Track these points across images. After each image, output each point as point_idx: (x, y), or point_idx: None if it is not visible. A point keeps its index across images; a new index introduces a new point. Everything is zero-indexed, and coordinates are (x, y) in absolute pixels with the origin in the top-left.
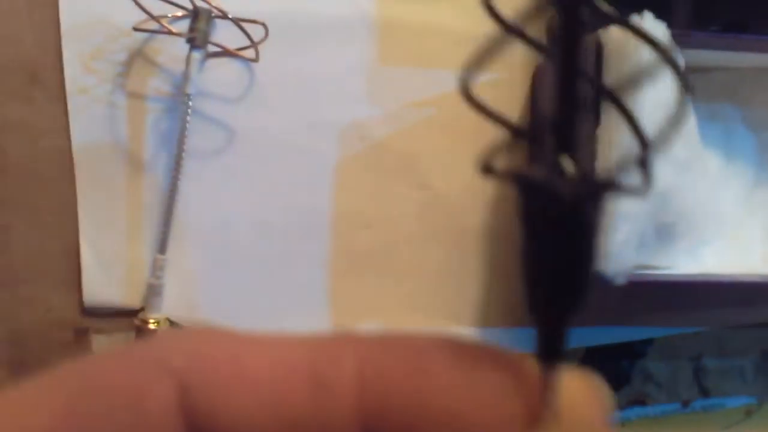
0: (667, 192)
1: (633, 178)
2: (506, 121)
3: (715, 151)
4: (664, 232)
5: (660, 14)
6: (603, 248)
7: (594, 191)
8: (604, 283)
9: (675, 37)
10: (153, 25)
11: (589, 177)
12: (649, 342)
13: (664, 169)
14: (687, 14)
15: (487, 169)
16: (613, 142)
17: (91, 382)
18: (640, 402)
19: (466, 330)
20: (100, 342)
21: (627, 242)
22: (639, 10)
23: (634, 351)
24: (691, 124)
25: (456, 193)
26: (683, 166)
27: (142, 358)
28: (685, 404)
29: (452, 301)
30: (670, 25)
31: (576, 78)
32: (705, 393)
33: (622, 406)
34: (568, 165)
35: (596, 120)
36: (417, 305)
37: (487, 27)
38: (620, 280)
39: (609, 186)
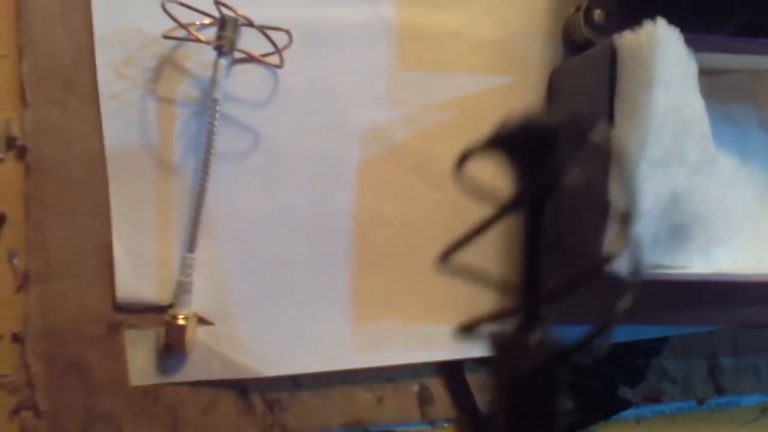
0: (681, 193)
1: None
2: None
3: (729, 152)
4: (677, 233)
5: (674, 18)
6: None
7: (553, 358)
8: (617, 282)
9: (689, 41)
10: (182, 33)
11: (550, 345)
12: (664, 340)
13: (677, 171)
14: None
15: (465, 331)
16: (626, 144)
17: None
18: (656, 399)
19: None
20: (131, 336)
21: (640, 243)
22: (652, 15)
23: (649, 349)
24: (705, 126)
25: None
26: (696, 168)
27: None
28: (701, 402)
29: (470, 298)
30: (684, 29)
31: (540, 254)
32: (720, 391)
33: (637, 403)
34: (535, 332)
35: (610, 125)
36: (435, 303)
37: (502, 32)
38: (635, 282)
39: (566, 353)
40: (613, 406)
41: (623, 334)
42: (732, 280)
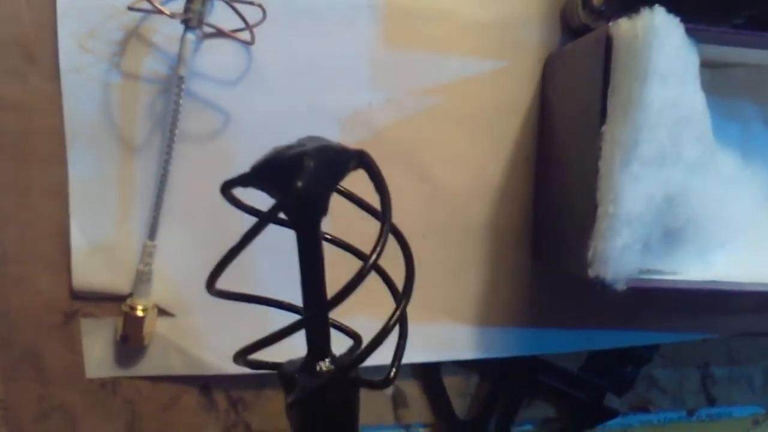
0: (676, 195)
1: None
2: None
3: (731, 150)
4: (671, 237)
5: (677, 6)
6: (603, 253)
7: (336, 384)
8: (603, 288)
9: (690, 32)
10: (148, 5)
11: (332, 373)
12: (655, 348)
13: (672, 171)
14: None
15: (242, 356)
16: (617, 140)
17: None
18: (644, 409)
19: (466, 328)
20: (88, 326)
21: (629, 247)
22: (651, 3)
23: (639, 356)
24: (704, 122)
25: (459, 187)
26: (694, 168)
27: None
28: (690, 412)
29: (452, 297)
30: (687, 18)
31: (321, 283)
32: (711, 401)
33: (624, 412)
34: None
35: (601, 118)
36: (415, 301)
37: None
38: (620, 286)
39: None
40: (599, 416)
41: (612, 340)
42: (727, 288)
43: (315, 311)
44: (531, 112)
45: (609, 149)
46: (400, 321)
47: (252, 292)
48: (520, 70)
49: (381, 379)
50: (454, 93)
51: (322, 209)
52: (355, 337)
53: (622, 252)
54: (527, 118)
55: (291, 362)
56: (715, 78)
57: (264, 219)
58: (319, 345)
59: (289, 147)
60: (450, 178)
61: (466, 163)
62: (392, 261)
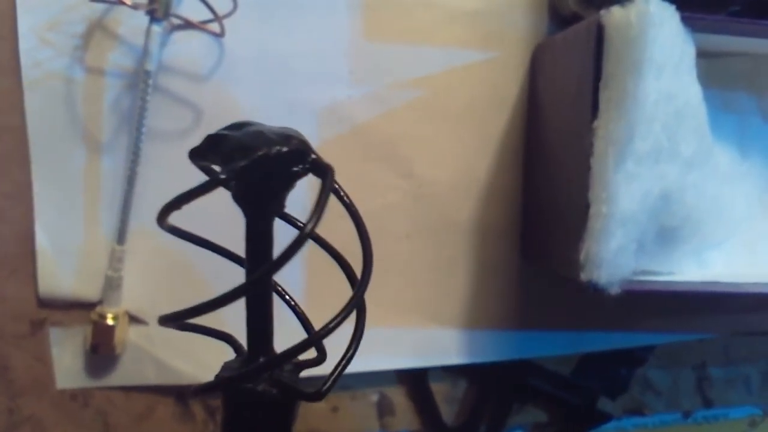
0: (671, 193)
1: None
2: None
3: (728, 144)
4: (667, 236)
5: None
6: (596, 255)
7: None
8: (596, 291)
9: (685, 20)
10: None
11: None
12: (650, 349)
13: (668, 167)
14: None
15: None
16: (611, 136)
17: None
18: (638, 411)
19: (452, 332)
20: (56, 335)
21: (623, 249)
22: None
23: (633, 358)
24: (701, 116)
25: (443, 184)
26: (690, 164)
27: None
28: (686, 414)
29: (437, 300)
30: (681, 6)
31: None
32: (707, 403)
33: (618, 415)
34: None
35: (593, 113)
36: (398, 304)
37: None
38: (614, 290)
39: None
40: (592, 419)
41: (604, 341)
42: (725, 290)
43: (257, 275)
44: (519, 105)
45: (602, 146)
46: (354, 344)
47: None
48: (507, 60)
49: (314, 391)
50: (437, 85)
51: (274, 202)
52: (306, 323)
53: (616, 254)
54: (515, 110)
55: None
56: (711, 68)
57: (213, 181)
58: (259, 330)
59: (249, 130)
60: (434, 174)
61: (451, 159)
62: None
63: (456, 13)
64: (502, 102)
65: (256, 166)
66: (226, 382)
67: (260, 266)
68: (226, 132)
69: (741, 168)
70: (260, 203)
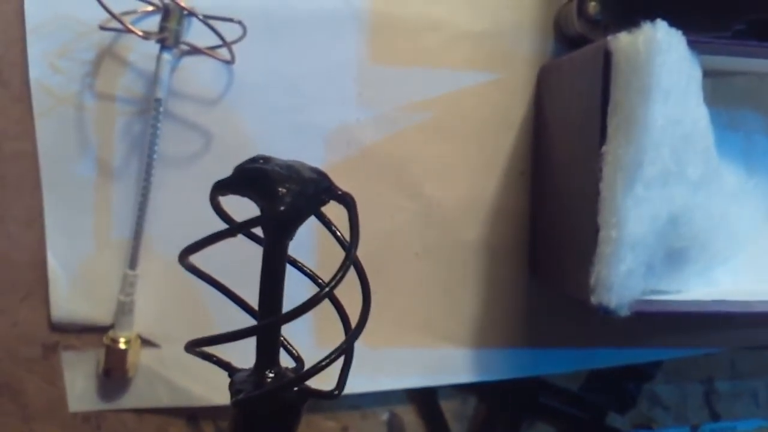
0: (679, 215)
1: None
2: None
3: (734, 162)
4: (675, 257)
5: (675, 13)
6: (606, 279)
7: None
8: (607, 314)
9: (692, 43)
10: (120, 24)
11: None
12: (657, 364)
13: (676, 190)
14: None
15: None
16: (620, 161)
17: None
18: (646, 426)
19: (462, 350)
20: (69, 359)
21: (632, 272)
22: (652, 8)
23: (641, 373)
24: (707, 138)
25: (451, 204)
26: (697, 186)
27: None
28: (694, 428)
29: (447, 319)
30: (686, 27)
31: (279, 298)
32: (715, 417)
33: (627, 430)
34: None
35: (601, 138)
36: (408, 324)
37: (487, 24)
38: (624, 312)
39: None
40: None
41: (613, 358)
42: (733, 310)
43: (269, 321)
44: (525, 125)
45: (611, 171)
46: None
47: None
48: (513, 81)
49: (329, 391)
50: (444, 107)
51: (293, 233)
52: (297, 359)
53: (625, 278)
54: (521, 131)
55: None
56: (716, 87)
57: (235, 229)
58: (268, 356)
59: (276, 163)
60: (442, 194)
61: (459, 179)
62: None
63: (462, 35)
64: (510, 123)
65: (302, 198)
66: (274, 391)
67: (276, 290)
68: (259, 166)
69: (747, 186)
70: (288, 232)
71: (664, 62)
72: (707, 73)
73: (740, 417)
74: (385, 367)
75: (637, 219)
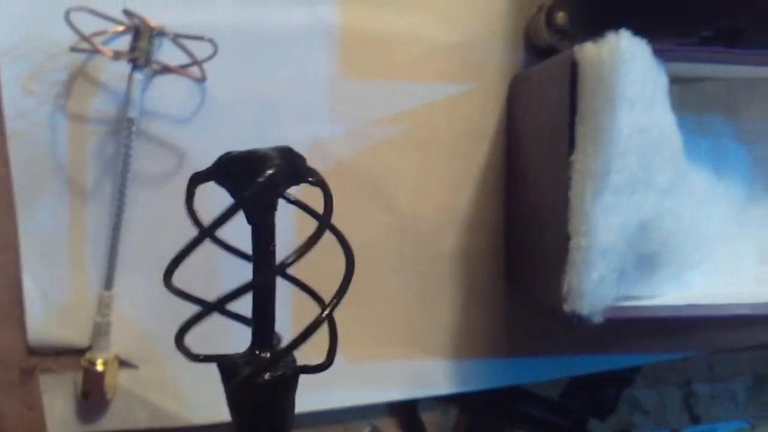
0: (649, 221)
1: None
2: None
3: (703, 167)
4: (646, 262)
5: (642, 22)
6: (578, 287)
7: (277, 371)
8: (580, 321)
9: (658, 51)
10: (91, 45)
11: (272, 359)
12: (636, 369)
13: (645, 197)
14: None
15: (182, 348)
16: (588, 170)
17: None
18: (627, 431)
19: (441, 361)
20: (47, 382)
21: (604, 279)
22: (619, 18)
23: (620, 379)
24: (675, 144)
25: (426, 216)
26: (666, 192)
27: None
28: None
29: (425, 331)
30: (653, 35)
31: (270, 273)
32: (695, 419)
33: None
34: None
35: (570, 147)
36: (387, 337)
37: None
38: (597, 319)
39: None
40: None
41: (591, 364)
42: (704, 313)
43: (264, 297)
44: (498, 136)
45: (579, 180)
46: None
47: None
48: (485, 92)
49: (320, 363)
50: (417, 119)
51: (275, 203)
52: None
53: (597, 285)
54: (494, 141)
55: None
56: (684, 93)
57: (231, 209)
58: (263, 335)
59: (253, 150)
60: (417, 207)
61: (433, 191)
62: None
63: (434, 48)
64: (482, 133)
65: (272, 180)
66: (278, 357)
67: (268, 260)
68: (234, 154)
69: (717, 189)
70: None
71: (629, 71)
72: (674, 80)
73: (720, 419)
74: (365, 380)
75: (606, 226)
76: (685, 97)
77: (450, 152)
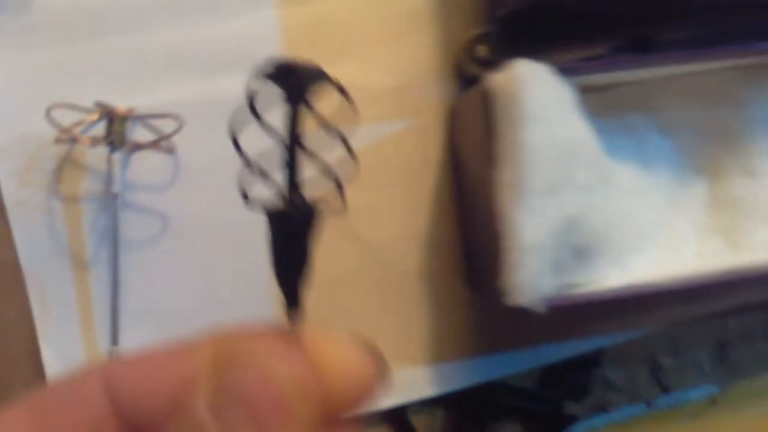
0: (576, 218)
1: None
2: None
3: (630, 162)
4: (583, 253)
5: (557, 48)
6: (514, 282)
7: (303, 213)
8: (527, 312)
9: (564, 70)
10: (71, 136)
11: (301, 204)
12: (602, 351)
13: (567, 197)
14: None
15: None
16: (507, 181)
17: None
18: (603, 409)
19: (421, 368)
20: None
21: (539, 273)
22: (536, 44)
23: (589, 362)
24: (592, 148)
25: (390, 241)
26: (589, 190)
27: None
28: (649, 404)
29: (404, 344)
30: (562, 49)
31: (298, 137)
32: (666, 390)
33: (587, 415)
34: (295, 196)
35: (493, 164)
36: None
37: (398, 79)
38: (540, 308)
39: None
40: (562, 423)
41: (558, 352)
42: (645, 291)
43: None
44: (443, 162)
45: (503, 190)
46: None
47: None
48: (426, 125)
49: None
50: (370, 158)
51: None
52: None
53: (533, 278)
54: (441, 167)
55: None
56: (603, 100)
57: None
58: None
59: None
60: (380, 234)
61: (393, 219)
62: (331, 316)
63: (377, 92)
64: (428, 162)
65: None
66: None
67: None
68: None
69: (647, 180)
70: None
71: (531, 92)
72: (592, 89)
73: (689, 386)
74: None
75: (532, 227)
76: (605, 102)
77: (402, 183)
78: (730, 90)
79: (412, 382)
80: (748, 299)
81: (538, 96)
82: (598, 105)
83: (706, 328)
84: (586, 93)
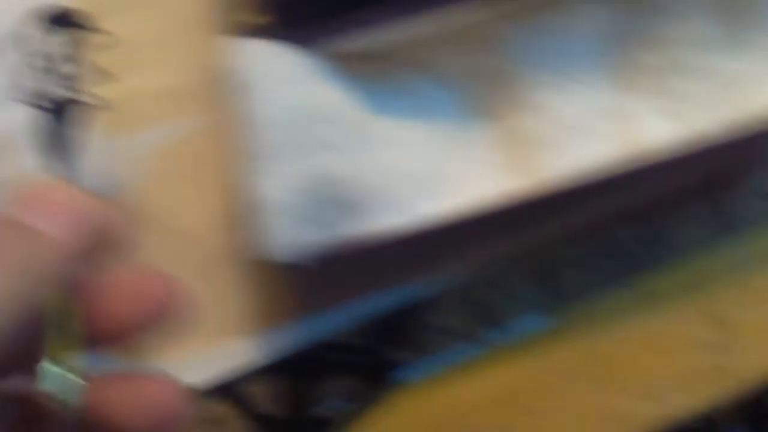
0: (332, 175)
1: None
2: None
3: (409, 119)
4: (349, 207)
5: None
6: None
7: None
8: (296, 269)
9: (308, 42)
10: None
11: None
12: (424, 296)
13: (318, 158)
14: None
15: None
16: (244, 150)
17: None
18: (432, 353)
19: (245, 338)
20: None
21: (289, 230)
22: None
23: (412, 308)
24: (346, 111)
25: (197, 227)
26: (345, 149)
27: None
28: (480, 342)
29: (222, 317)
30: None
31: None
32: (495, 324)
33: (413, 360)
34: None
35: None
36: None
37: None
38: (311, 263)
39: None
40: (392, 369)
41: (375, 305)
42: (430, 228)
43: None
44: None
45: (244, 161)
46: None
47: None
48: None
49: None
50: (169, 153)
51: None
52: None
53: (288, 236)
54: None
55: None
56: (379, 64)
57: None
58: None
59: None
60: (186, 223)
61: (198, 207)
62: None
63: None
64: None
65: None
66: None
67: None
68: None
69: (429, 134)
70: None
71: (256, 69)
72: (364, 56)
73: (516, 319)
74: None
75: (273, 189)
76: (380, 66)
77: (203, 174)
78: (496, 33)
79: (241, 353)
80: (560, 225)
81: (263, 71)
82: (374, 70)
83: (530, 259)
84: (356, 60)
